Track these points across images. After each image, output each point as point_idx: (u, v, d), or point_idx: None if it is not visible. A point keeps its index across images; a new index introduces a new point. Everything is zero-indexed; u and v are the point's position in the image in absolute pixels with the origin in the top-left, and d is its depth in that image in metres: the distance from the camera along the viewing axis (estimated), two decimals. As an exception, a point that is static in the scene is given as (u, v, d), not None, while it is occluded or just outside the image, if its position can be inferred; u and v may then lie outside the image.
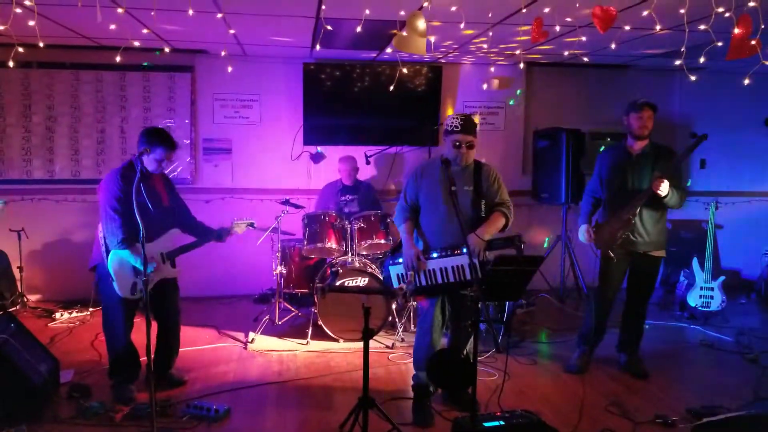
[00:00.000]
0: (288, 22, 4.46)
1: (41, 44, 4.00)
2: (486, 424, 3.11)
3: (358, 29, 3.96)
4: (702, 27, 3.47)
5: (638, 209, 3.92)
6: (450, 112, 6.41)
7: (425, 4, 3.63)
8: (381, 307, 4.69)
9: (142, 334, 3.03)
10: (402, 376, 4.14)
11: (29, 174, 5.92)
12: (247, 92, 6.15)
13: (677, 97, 6.71)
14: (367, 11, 3.58)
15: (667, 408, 3.63)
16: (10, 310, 5.43)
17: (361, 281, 4.75)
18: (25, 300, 5.73)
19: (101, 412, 3.46)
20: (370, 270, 4.80)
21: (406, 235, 3.52)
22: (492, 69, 6.19)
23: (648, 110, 3.96)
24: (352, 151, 5.98)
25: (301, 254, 5.25)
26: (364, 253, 5.04)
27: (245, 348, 4.74)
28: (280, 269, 5.23)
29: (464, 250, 3.30)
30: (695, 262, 5.49)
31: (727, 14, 3.23)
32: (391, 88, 4.59)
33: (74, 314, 5.47)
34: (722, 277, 5.44)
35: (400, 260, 3.50)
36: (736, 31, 2.96)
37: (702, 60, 3.61)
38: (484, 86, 6.34)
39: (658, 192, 3.78)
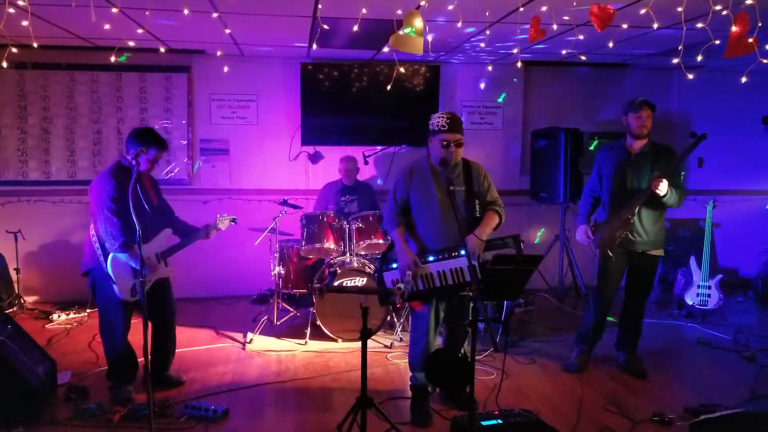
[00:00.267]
0: (284, 21, 4.45)
1: (35, 45, 3.98)
2: (484, 423, 3.12)
3: (355, 28, 3.95)
4: (699, 25, 3.46)
5: (637, 209, 3.93)
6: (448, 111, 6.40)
7: (422, 3, 3.62)
8: (379, 307, 4.69)
9: (139, 335, 3.01)
10: (400, 375, 4.14)
11: (25, 175, 5.91)
12: (245, 92, 6.14)
13: (675, 95, 6.71)
14: (364, 10, 3.56)
15: (665, 406, 3.64)
16: (7, 311, 5.41)
17: (360, 281, 4.75)
18: (22, 302, 5.71)
19: (99, 414, 3.45)
20: (368, 270, 4.79)
21: (399, 240, 3.43)
22: (490, 68, 6.19)
23: (646, 109, 3.95)
24: (350, 151, 5.98)
25: (300, 254, 5.25)
26: (363, 253, 5.03)
27: (243, 348, 4.73)
28: (279, 270, 5.22)
29: (462, 252, 3.26)
30: (693, 261, 5.49)
31: (724, 12, 3.23)
32: (389, 87, 4.58)
33: (71, 315, 5.46)
34: (720, 276, 5.44)
35: (394, 265, 3.43)
36: (734, 29, 2.96)
37: (700, 58, 3.61)
38: (482, 85, 6.34)
39: (657, 191, 3.78)
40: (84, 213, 5.89)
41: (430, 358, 3.37)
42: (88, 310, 5.52)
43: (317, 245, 4.98)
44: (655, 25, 3.72)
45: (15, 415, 3.30)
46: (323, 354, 4.61)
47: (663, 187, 3.78)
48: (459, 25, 4.14)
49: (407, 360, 3.70)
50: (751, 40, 2.94)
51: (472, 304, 2.98)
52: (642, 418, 3.48)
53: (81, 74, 5.88)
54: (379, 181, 6.34)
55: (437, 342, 3.63)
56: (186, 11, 3.72)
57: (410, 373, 3.63)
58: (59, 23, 4.59)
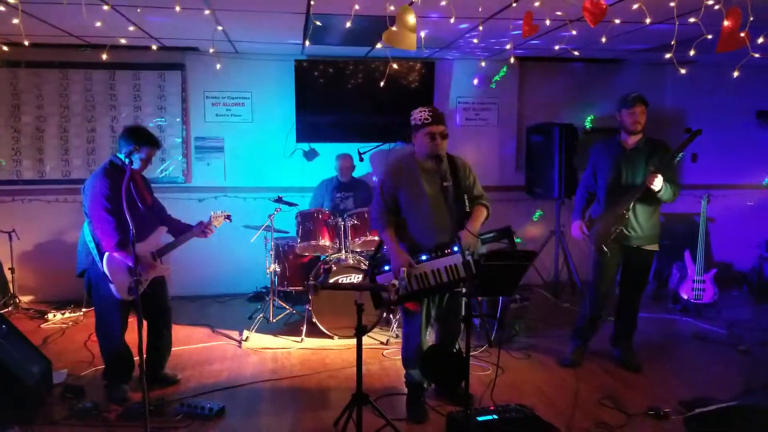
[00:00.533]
0: (277, 17, 4.43)
1: (26, 43, 3.96)
2: (480, 419, 3.13)
3: (348, 25, 3.94)
4: (692, 20, 3.47)
5: (632, 204, 3.93)
6: (445, 106, 6.41)
7: (415, -1, 3.62)
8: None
9: (135, 333, 3.01)
10: (396, 371, 4.14)
11: (19, 174, 5.88)
12: (239, 90, 6.12)
13: (669, 90, 6.72)
14: (357, 6, 3.55)
15: (660, 400, 3.65)
16: (2, 311, 5.41)
17: (355, 278, 4.75)
18: (17, 301, 5.70)
19: (95, 413, 3.45)
20: (363, 267, 4.79)
21: (391, 241, 3.37)
22: (483, 64, 6.19)
23: (640, 105, 3.96)
24: (345, 148, 5.98)
25: (295, 252, 5.25)
26: (358, 250, 5.03)
27: (239, 346, 4.73)
28: (274, 267, 5.22)
29: (455, 249, 3.24)
30: (687, 255, 5.51)
31: (716, 7, 3.23)
32: (382, 84, 4.57)
33: (67, 315, 5.44)
34: (714, 270, 5.46)
35: (387, 267, 3.38)
36: (726, 23, 2.96)
37: (692, 53, 3.62)
38: (475, 81, 6.34)
39: (652, 187, 3.79)
40: (78, 212, 5.77)
41: (426, 354, 3.38)
42: (83, 310, 5.51)
43: (313, 242, 4.98)
44: (648, 21, 3.72)
45: (10, 415, 3.29)
46: (319, 351, 4.61)
47: (658, 183, 3.79)
48: (452, 21, 4.14)
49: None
50: (743, 34, 2.95)
51: (466, 300, 2.99)
52: (637, 412, 3.50)
53: (74, 72, 5.85)
54: (374, 178, 6.34)
55: (429, 338, 3.63)
56: (178, 8, 3.70)
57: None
58: (51, 21, 4.57)
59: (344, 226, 4.96)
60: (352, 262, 4.83)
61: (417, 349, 3.48)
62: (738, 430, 3.10)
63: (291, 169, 6.30)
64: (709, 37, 3.47)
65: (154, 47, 5.25)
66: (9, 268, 5.68)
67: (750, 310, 5.81)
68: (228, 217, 4.13)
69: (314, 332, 4.84)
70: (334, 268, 4.76)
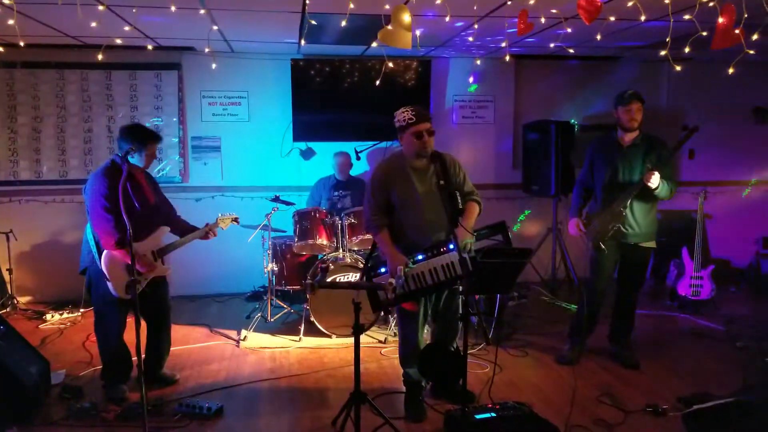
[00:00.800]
0: (273, 17, 4.43)
1: (22, 43, 3.95)
2: (478, 417, 3.13)
3: (344, 23, 3.94)
4: (687, 17, 3.47)
5: (629, 201, 3.94)
6: (442, 105, 6.41)
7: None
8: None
9: (134, 333, 3.01)
10: (394, 370, 4.14)
11: (16, 175, 5.88)
12: (236, 89, 6.12)
13: (665, 87, 6.73)
14: (352, 5, 3.55)
15: (658, 397, 3.66)
16: (0, 312, 5.40)
17: (353, 277, 4.75)
18: (15, 302, 5.69)
19: (93, 413, 3.45)
20: (361, 266, 4.79)
21: (386, 243, 3.35)
22: (479, 62, 6.19)
23: (636, 102, 3.96)
24: (342, 147, 5.97)
25: (293, 251, 5.25)
26: (355, 248, 5.03)
27: (237, 346, 4.73)
28: (272, 266, 5.22)
29: (450, 246, 3.23)
30: (685, 252, 5.52)
31: (711, 4, 3.24)
32: (378, 82, 4.57)
33: (65, 315, 5.44)
34: (712, 266, 5.47)
35: (383, 270, 3.37)
36: (720, 20, 2.97)
37: (687, 50, 3.62)
38: (470, 79, 6.34)
39: (649, 184, 3.80)
40: (76, 212, 5.89)
41: (423, 352, 3.38)
42: (81, 310, 5.51)
43: (310, 241, 4.98)
44: (643, 18, 3.72)
45: (9, 415, 3.29)
46: (317, 350, 4.62)
47: (655, 180, 3.80)
48: (447, 19, 4.14)
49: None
50: (737, 31, 2.96)
51: (463, 298, 2.98)
52: (635, 409, 3.51)
53: (70, 73, 5.85)
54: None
55: (426, 336, 3.63)
56: (173, 8, 3.70)
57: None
58: (46, 21, 4.56)
59: (341, 225, 4.96)
60: (349, 260, 4.83)
61: (415, 348, 3.48)
62: (736, 427, 3.10)
63: (288, 168, 6.31)
64: (704, 34, 3.48)
65: (150, 47, 5.24)
66: (7, 269, 5.67)
67: (747, 307, 5.82)
68: (236, 220, 4.11)
69: (312, 331, 4.84)
70: (332, 266, 4.76)
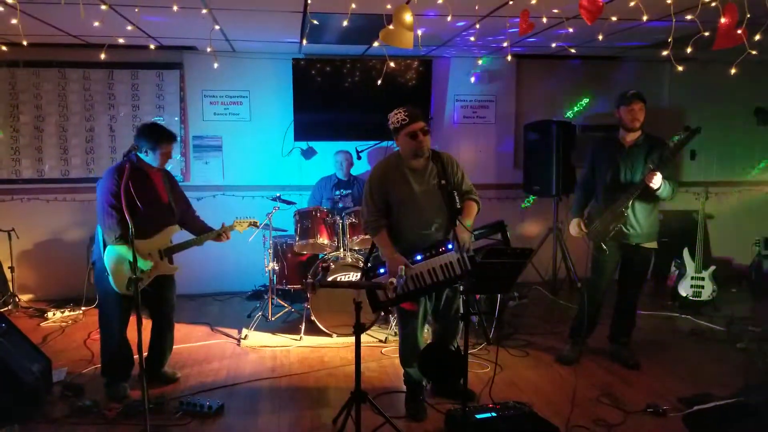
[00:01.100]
0: (275, 16, 4.44)
1: (24, 43, 3.96)
2: (478, 416, 3.13)
3: (345, 23, 3.94)
4: (689, 17, 3.47)
5: (630, 202, 3.94)
6: (444, 105, 6.41)
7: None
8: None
9: (136, 330, 3.02)
10: (395, 369, 4.14)
11: (18, 174, 5.89)
12: (237, 89, 6.13)
13: (667, 87, 6.72)
14: (353, 5, 3.56)
15: (658, 397, 3.65)
16: (2, 310, 5.42)
17: (354, 276, 4.75)
18: (17, 300, 5.70)
19: (94, 411, 3.45)
20: (362, 265, 4.79)
21: (385, 245, 3.35)
22: (480, 62, 6.18)
23: (638, 102, 3.95)
24: (343, 146, 5.97)
25: (294, 250, 5.25)
26: (356, 248, 5.03)
27: (238, 344, 4.73)
28: (273, 266, 5.23)
29: (449, 246, 3.23)
30: (686, 252, 5.51)
31: (713, 4, 3.24)
32: (379, 82, 4.57)
33: (66, 313, 5.45)
34: (713, 267, 5.47)
35: (382, 270, 3.36)
36: (723, 20, 2.97)
37: (689, 50, 3.62)
38: (472, 79, 6.34)
39: (651, 185, 3.79)
40: (77, 211, 5.90)
41: (424, 352, 3.38)
42: (82, 308, 5.52)
43: (311, 241, 4.98)
44: (645, 18, 3.72)
45: (10, 413, 3.29)
46: (318, 349, 4.62)
47: (657, 180, 3.79)
48: (449, 19, 4.14)
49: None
50: (740, 31, 2.95)
51: (464, 297, 2.98)
52: (636, 410, 3.50)
53: (72, 72, 5.86)
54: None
55: (426, 336, 3.63)
56: (175, 8, 3.70)
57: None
58: (49, 21, 4.58)
59: (342, 224, 4.96)
60: (350, 260, 4.83)
61: (415, 348, 3.48)
62: (737, 428, 3.10)
63: (289, 167, 6.31)
64: (707, 34, 3.48)
65: (152, 46, 5.25)
66: (9, 267, 5.68)
67: (749, 307, 5.82)
68: (254, 224, 4.10)
69: (313, 330, 4.84)
70: (333, 266, 4.76)
